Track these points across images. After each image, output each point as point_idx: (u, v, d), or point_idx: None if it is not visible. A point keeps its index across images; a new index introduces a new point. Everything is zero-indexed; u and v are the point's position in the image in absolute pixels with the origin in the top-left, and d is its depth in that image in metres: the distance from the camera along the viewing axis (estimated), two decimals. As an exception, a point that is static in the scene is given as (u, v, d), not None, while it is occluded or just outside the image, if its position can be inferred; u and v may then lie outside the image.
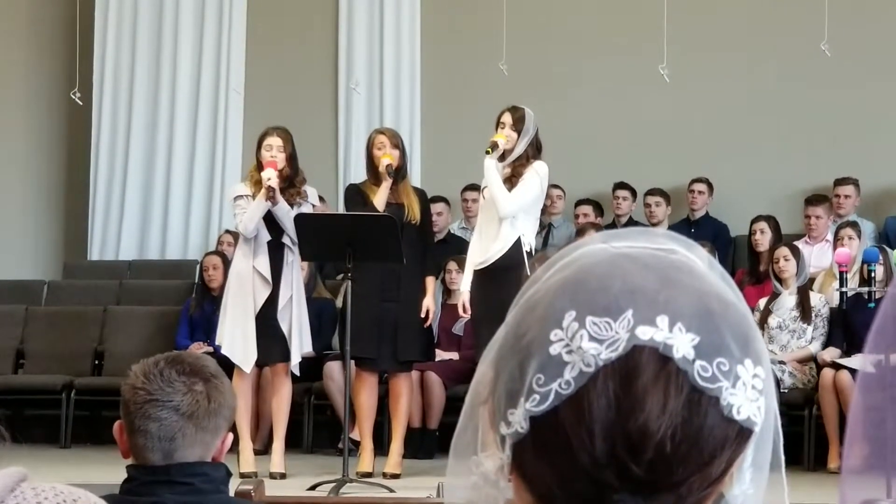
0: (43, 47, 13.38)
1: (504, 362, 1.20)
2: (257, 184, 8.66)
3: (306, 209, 8.72)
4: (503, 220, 8.34)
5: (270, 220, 8.62)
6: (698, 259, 1.24)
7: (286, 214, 8.56)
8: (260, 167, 8.69)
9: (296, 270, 8.75)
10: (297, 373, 8.77)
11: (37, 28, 13.44)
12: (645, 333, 1.14)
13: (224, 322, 8.69)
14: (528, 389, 1.16)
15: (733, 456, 1.19)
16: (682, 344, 1.14)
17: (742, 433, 1.18)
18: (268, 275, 8.58)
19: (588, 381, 1.14)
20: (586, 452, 1.14)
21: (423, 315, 8.72)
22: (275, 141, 8.70)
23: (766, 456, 1.23)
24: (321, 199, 9.70)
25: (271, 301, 8.59)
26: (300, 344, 8.69)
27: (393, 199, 8.76)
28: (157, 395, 2.88)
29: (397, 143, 8.85)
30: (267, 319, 8.58)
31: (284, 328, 8.63)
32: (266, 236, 8.62)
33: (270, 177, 8.50)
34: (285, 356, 8.66)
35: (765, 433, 1.21)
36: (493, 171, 8.39)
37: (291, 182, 8.70)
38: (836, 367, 9.35)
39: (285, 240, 8.64)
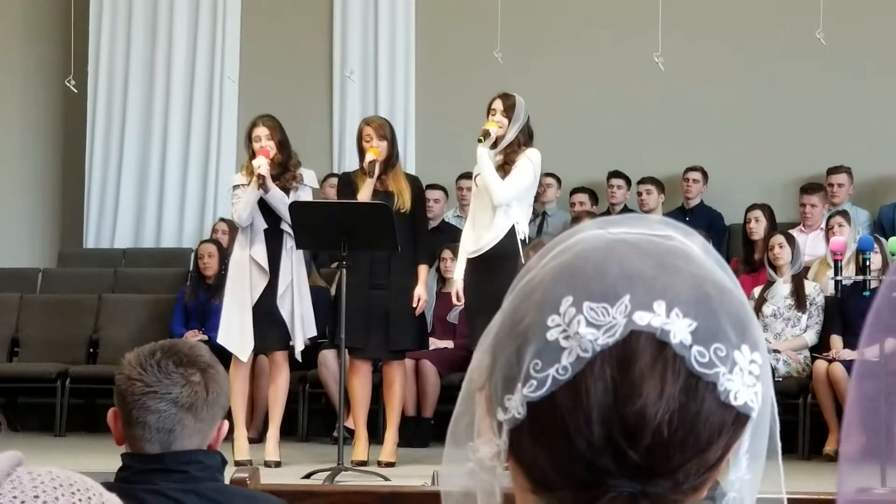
0: (38, 35, 13.36)
1: (501, 348, 1.20)
2: (251, 174, 8.65)
3: (304, 193, 8.71)
4: (497, 209, 8.33)
5: (267, 207, 8.61)
6: (695, 245, 1.24)
7: (280, 201, 8.55)
8: (253, 158, 8.69)
9: (296, 255, 8.73)
10: (299, 358, 8.78)
11: (31, 16, 13.41)
12: (642, 319, 1.14)
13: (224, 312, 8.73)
14: (526, 375, 1.16)
15: (730, 442, 1.19)
16: (679, 329, 1.14)
17: (739, 419, 1.18)
18: (264, 263, 8.58)
19: (585, 366, 1.14)
20: (583, 438, 1.14)
21: (413, 304, 8.71)
22: (262, 131, 8.69)
23: (763, 442, 1.23)
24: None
25: (270, 288, 8.59)
26: (303, 329, 8.69)
27: (382, 188, 8.73)
28: (156, 388, 2.87)
29: (384, 133, 8.78)
30: (265, 307, 8.58)
31: (284, 315, 8.63)
32: (262, 224, 8.62)
33: (261, 164, 8.51)
34: (284, 343, 8.66)
35: (762, 419, 1.21)
36: (485, 159, 8.39)
37: (285, 167, 8.70)
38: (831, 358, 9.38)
39: (283, 226, 8.63)
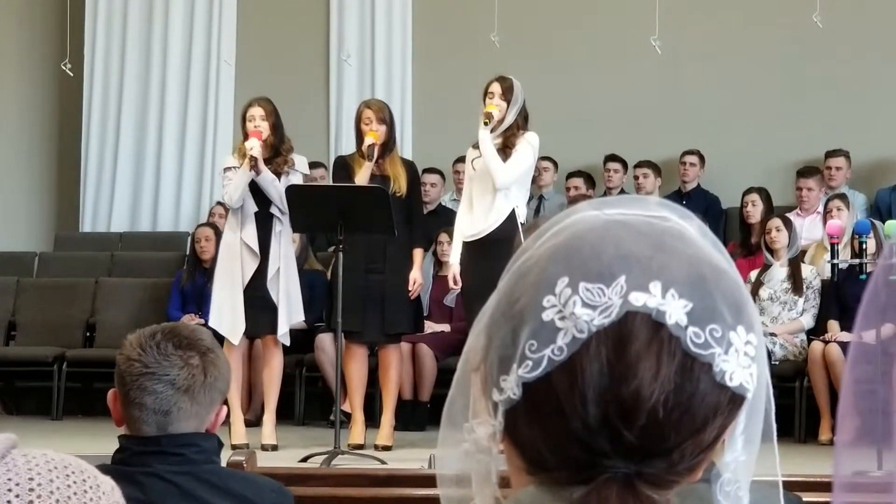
0: (34, 18, 13.33)
1: (496, 328, 1.19)
2: (245, 156, 8.64)
3: (295, 178, 8.69)
4: (498, 192, 8.32)
5: (257, 190, 8.60)
6: (691, 227, 1.24)
7: (271, 183, 8.54)
8: (247, 139, 8.67)
9: (284, 240, 8.71)
10: (287, 342, 8.76)
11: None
12: (638, 299, 1.14)
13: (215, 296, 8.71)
14: (521, 355, 1.16)
15: (725, 422, 1.19)
16: (674, 310, 1.14)
17: (734, 399, 1.18)
18: (255, 246, 8.56)
19: (581, 346, 1.14)
20: (579, 418, 1.14)
21: (409, 287, 8.71)
22: (257, 111, 8.68)
23: (759, 424, 1.23)
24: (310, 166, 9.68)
25: (260, 272, 8.57)
26: (288, 314, 8.67)
27: (378, 172, 8.72)
28: (154, 369, 2.87)
29: (383, 116, 8.77)
30: (256, 290, 8.56)
31: (274, 299, 8.61)
32: (253, 207, 8.61)
33: (253, 146, 8.49)
34: (275, 328, 8.65)
35: (757, 401, 1.21)
36: (489, 143, 8.37)
37: (277, 151, 8.69)
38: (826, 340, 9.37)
39: (273, 210, 8.62)
